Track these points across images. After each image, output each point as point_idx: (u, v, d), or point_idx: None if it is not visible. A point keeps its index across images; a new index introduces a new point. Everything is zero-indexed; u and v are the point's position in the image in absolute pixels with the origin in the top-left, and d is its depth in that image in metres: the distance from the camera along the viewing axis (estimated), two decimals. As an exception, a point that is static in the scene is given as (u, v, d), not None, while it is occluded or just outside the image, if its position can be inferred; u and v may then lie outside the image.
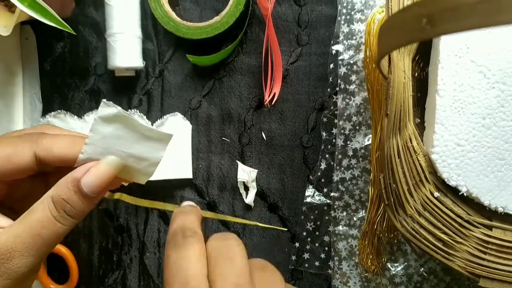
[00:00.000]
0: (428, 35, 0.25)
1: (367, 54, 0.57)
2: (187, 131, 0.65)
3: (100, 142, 0.40)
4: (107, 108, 0.38)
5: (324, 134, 0.63)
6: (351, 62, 0.60)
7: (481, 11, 0.22)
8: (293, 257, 0.64)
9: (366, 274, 0.62)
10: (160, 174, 0.64)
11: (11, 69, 0.66)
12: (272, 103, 0.63)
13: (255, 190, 0.65)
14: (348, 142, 0.61)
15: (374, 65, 0.57)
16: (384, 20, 0.54)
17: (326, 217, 0.63)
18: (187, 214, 0.44)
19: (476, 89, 0.47)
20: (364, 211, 0.62)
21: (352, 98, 0.61)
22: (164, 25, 0.62)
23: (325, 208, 0.63)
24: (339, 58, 0.61)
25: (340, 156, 0.62)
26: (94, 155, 0.40)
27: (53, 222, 0.39)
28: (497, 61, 0.47)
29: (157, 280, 0.67)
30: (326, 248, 0.64)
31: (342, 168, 0.62)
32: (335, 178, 0.62)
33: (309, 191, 0.64)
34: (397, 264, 0.62)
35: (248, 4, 0.62)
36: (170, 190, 0.66)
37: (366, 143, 0.61)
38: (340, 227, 0.62)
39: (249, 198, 0.64)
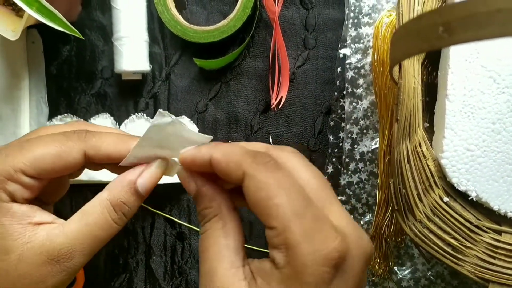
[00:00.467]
0: (445, 44, 0.25)
1: (375, 57, 0.57)
2: (193, 135, 0.65)
3: (148, 145, 0.41)
4: (163, 118, 0.39)
5: (331, 137, 0.62)
6: (359, 65, 0.60)
7: (500, 20, 0.22)
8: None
9: (373, 278, 0.62)
10: (166, 178, 0.64)
11: (17, 73, 0.65)
12: (279, 107, 0.63)
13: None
14: (355, 146, 0.61)
15: (382, 69, 0.57)
16: (395, 27, 0.54)
17: (333, 221, 0.63)
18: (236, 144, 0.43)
19: (486, 94, 0.47)
20: (371, 214, 0.62)
21: (359, 101, 0.61)
22: (171, 28, 0.62)
23: (332, 212, 0.63)
24: (347, 61, 0.61)
25: (347, 160, 0.61)
26: (141, 156, 0.42)
27: (110, 224, 0.42)
28: (508, 66, 0.47)
29: (163, 284, 0.67)
30: (333, 252, 0.64)
31: (349, 172, 0.62)
32: (342, 182, 0.62)
33: (316, 194, 0.64)
34: (404, 268, 0.62)
35: (255, 7, 0.62)
36: (176, 193, 0.66)
37: (373, 147, 0.61)
38: (347, 231, 0.62)
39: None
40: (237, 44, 0.64)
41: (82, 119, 0.66)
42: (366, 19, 0.60)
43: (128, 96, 0.67)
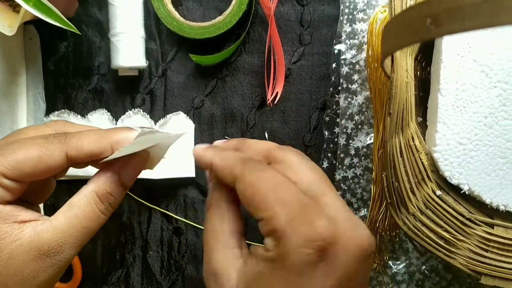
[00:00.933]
0: (432, 35, 0.26)
1: (369, 53, 0.58)
2: (190, 130, 0.65)
3: (129, 146, 0.43)
4: (144, 134, 0.42)
5: (326, 133, 0.63)
6: (353, 61, 0.61)
7: (485, 11, 0.23)
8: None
9: (368, 272, 0.63)
10: (163, 173, 0.64)
11: (14, 69, 0.66)
12: (275, 103, 0.64)
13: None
14: (350, 141, 0.62)
15: (376, 65, 0.57)
16: (387, 20, 0.55)
17: (329, 216, 0.64)
18: (230, 149, 0.47)
19: (478, 88, 0.47)
20: (366, 209, 0.62)
21: (354, 97, 0.61)
22: (167, 24, 0.62)
23: (328, 206, 0.64)
24: (342, 57, 0.61)
25: (342, 155, 0.62)
26: (121, 154, 0.44)
27: (98, 215, 0.44)
28: (499, 61, 0.47)
29: (159, 278, 0.67)
30: (329, 247, 0.64)
31: (344, 167, 0.62)
32: (337, 177, 0.62)
33: (312, 190, 0.64)
34: (398, 262, 0.62)
35: (251, 4, 0.62)
36: (173, 188, 0.67)
37: (368, 142, 0.61)
38: (342, 226, 0.63)
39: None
40: (233, 40, 0.65)
41: (79, 115, 0.66)
42: (360, 15, 0.60)
43: (124, 92, 0.67)
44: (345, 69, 0.61)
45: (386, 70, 0.45)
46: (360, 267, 0.39)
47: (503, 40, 0.47)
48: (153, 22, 0.66)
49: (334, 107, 0.63)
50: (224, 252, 0.41)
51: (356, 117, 0.61)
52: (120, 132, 0.45)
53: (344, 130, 0.62)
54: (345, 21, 0.61)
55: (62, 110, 0.66)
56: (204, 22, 0.62)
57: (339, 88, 0.62)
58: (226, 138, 0.65)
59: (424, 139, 0.50)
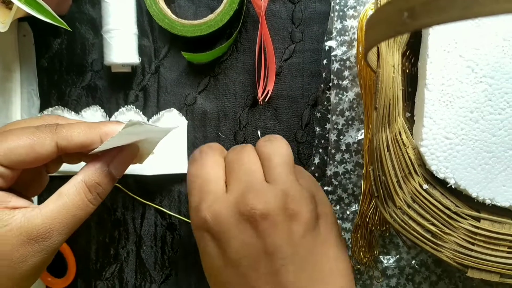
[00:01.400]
0: (408, 28, 0.26)
1: (360, 50, 0.58)
2: (182, 127, 0.66)
3: (118, 137, 0.44)
4: (131, 124, 0.43)
5: (317, 129, 0.63)
6: (344, 58, 0.61)
7: (460, 4, 0.23)
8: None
9: (358, 267, 0.63)
10: (156, 169, 0.65)
11: (8, 66, 0.66)
12: (266, 100, 0.64)
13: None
14: (341, 137, 0.62)
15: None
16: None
17: (320, 211, 0.64)
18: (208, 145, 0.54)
19: (464, 83, 0.48)
20: (357, 204, 0.63)
21: (345, 93, 0.62)
22: (159, 22, 0.62)
23: (319, 202, 0.64)
24: (332, 54, 0.62)
25: (333, 151, 0.62)
26: (110, 146, 0.46)
27: (86, 204, 0.45)
28: (485, 56, 0.48)
29: (153, 273, 0.68)
30: (320, 242, 0.65)
31: (335, 163, 0.63)
32: (329, 173, 0.63)
33: (303, 185, 0.65)
34: (389, 256, 0.63)
35: (242, 2, 0.63)
36: (166, 184, 0.67)
37: (359, 137, 0.62)
38: (333, 221, 0.63)
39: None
40: (225, 39, 0.65)
41: (73, 112, 0.67)
42: (351, 11, 0.61)
43: (118, 88, 0.68)
44: (335, 66, 0.62)
45: (371, 64, 0.46)
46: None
47: (488, 36, 0.48)
48: (145, 19, 0.66)
49: (325, 103, 0.63)
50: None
51: (347, 113, 0.62)
52: (109, 125, 0.46)
53: (335, 126, 0.62)
54: (335, 18, 0.61)
55: (56, 107, 0.67)
56: (195, 20, 0.63)
57: (330, 84, 0.62)
58: (220, 135, 0.66)
59: (412, 134, 0.50)
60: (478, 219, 0.48)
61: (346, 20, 0.61)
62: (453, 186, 0.48)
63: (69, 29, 0.57)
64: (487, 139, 0.48)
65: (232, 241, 0.45)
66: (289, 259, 0.45)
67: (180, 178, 0.67)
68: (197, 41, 0.65)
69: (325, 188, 0.63)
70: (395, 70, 0.46)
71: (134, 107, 0.66)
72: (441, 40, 0.48)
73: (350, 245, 0.63)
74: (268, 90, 0.63)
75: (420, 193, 0.48)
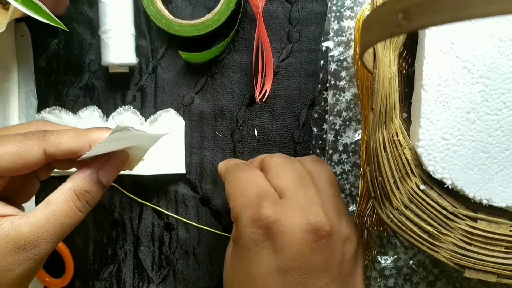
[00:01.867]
0: (403, 30, 0.26)
1: (357, 50, 0.58)
2: (180, 127, 0.66)
3: (108, 145, 0.44)
4: (119, 130, 0.42)
5: (315, 129, 0.63)
6: (341, 58, 0.61)
7: (452, 5, 0.23)
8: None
9: (356, 267, 0.63)
10: (153, 169, 0.65)
11: (6, 66, 0.66)
12: (264, 100, 0.64)
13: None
14: (339, 137, 0.62)
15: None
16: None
17: (317, 211, 0.64)
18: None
19: (461, 84, 0.48)
20: (354, 205, 0.63)
21: (342, 94, 0.62)
22: (156, 22, 0.62)
23: (316, 202, 0.64)
24: (329, 54, 0.62)
25: (330, 151, 0.62)
26: (98, 152, 0.45)
27: (75, 212, 0.45)
28: (481, 56, 0.48)
29: (151, 274, 0.68)
30: (317, 242, 0.65)
31: (333, 163, 0.63)
32: (326, 173, 0.63)
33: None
34: (386, 257, 0.63)
35: (239, 2, 0.63)
36: (164, 185, 0.67)
37: (356, 138, 0.62)
38: (331, 221, 0.63)
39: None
40: (222, 38, 0.65)
41: (70, 112, 0.67)
42: (348, 12, 0.61)
43: (115, 88, 0.68)
44: (333, 66, 0.62)
45: (367, 65, 0.46)
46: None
47: (485, 36, 0.48)
48: (143, 20, 0.66)
49: (323, 103, 0.63)
50: None
51: (344, 114, 0.62)
52: (98, 132, 0.46)
53: (333, 127, 0.62)
54: (332, 19, 0.61)
55: (54, 107, 0.67)
56: (193, 20, 0.63)
57: (327, 85, 0.62)
58: (217, 134, 0.66)
59: (409, 135, 0.50)
60: (475, 220, 0.48)
61: (343, 21, 0.61)
62: (450, 187, 0.48)
63: (67, 29, 0.57)
64: (483, 140, 0.48)
65: (293, 246, 0.45)
66: (334, 279, 0.46)
67: (177, 179, 0.67)
68: (195, 41, 0.65)
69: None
70: (392, 71, 0.47)
71: (131, 107, 0.66)
72: (438, 41, 0.48)
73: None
74: (266, 90, 0.63)
75: (417, 194, 0.48)
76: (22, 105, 0.68)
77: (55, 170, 0.51)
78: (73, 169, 0.49)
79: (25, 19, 0.66)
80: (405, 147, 0.48)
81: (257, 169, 0.52)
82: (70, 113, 0.67)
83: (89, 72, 0.68)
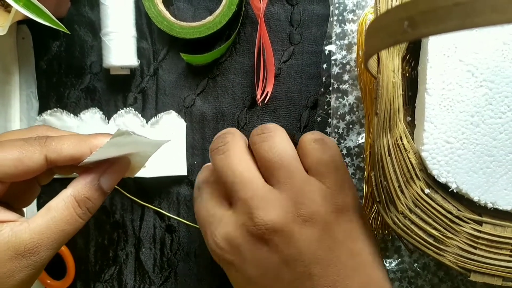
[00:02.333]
0: (409, 38, 0.26)
1: (359, 54, 0.58)
2: (181, 129, 0.66)
3: (109, 150, 0.44)
4: (120, 134, 0.42)
5: (318, 133, 0.63)
6: (344, 62, 0.61)
7: (457, 14, 0.23)
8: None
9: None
10: (155, 171, 0.65)
11: (7, 68, 0.66)
12: (265, 102, 0.64)
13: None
14: (342, 141, 0.62)
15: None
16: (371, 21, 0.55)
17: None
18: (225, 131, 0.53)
19: (465, 87, 0.48)
20: (357, 208, 0.62)
21: (345, 97, 0.61)
22: (157, 24, 0.62)
23: (319, 205, 0.64)
24: (332, 58, 0.61)
25: (333, 154, 0.62)
26: (100, 157, 0.45)
27: (75, 219, 0.45)
28: (485, 60, 0.47)
29: (152, 276, 0.68)
30: (320, 245, 0.64)
31: (336, 166, 0.62)
32: (329, 176, 0.63)
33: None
34: (391, 260, 0.62)
35: (241, 4, 0.63)
36: (165, 186, 0.67)
37: (360, 141, 0.61)
38: (334, 224, 0.63)
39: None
40: (224, 41, 0.65)
41: (72, 114, 0.67)
42: (350, 15, 0.60)
43: (117, 91, 0.67)
44: (335, 70, 0.61)
45: (371, 70, 0.45)
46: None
47: (488, 40, 0.47)
48: (144, 22, 0.66)
49: (326, 107, 0.63)
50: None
51: (348, 117, 0.62)
52: (100, 137, 0.46)
53: (336, 130, 0.62)
54: (335, 22, 0.61)
55: (55, 109, 0.67)
56: (194, 22, 0.63)
57: (330, 88, 0.62)
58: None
59: (413, 138, 0.50)
60: (480, 223, 0.48)
61: (345, 24, 0.61)
62: (454, 190, 0.48)
63: (68, 32, 0.57)
64: (488, 143, 0.48)
65: (248, 262, 0.45)
66: (310, 262, 0.44)
67: (179, 180, 0.67)
68: (196, 43, 0.65)
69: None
70: (396, 75, 0.46)
71: (132, 109, 0.66)
72: (441, 45, 0.47)
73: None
74: (267, 92, 0.63)
75: (421, 198, 0.48)
76: (23, 107, 0.67)
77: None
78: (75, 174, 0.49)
79: (27, 21, 0.66)
80: (409, 151, 0.48)
81: (237, 146, 0.50)
82: (72, 115, 0.67)
83: (91, 74, 0.67)
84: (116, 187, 0.67)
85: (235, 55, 0.65)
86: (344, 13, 0.60)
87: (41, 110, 0.68)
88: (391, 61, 0.46)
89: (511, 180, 0.49)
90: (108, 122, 0.66)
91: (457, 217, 0.48)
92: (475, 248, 0.48)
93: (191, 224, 0.67)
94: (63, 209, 0.44)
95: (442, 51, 0.47)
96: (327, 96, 0.63)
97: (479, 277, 0.48)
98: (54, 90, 0.68)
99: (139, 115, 0.66)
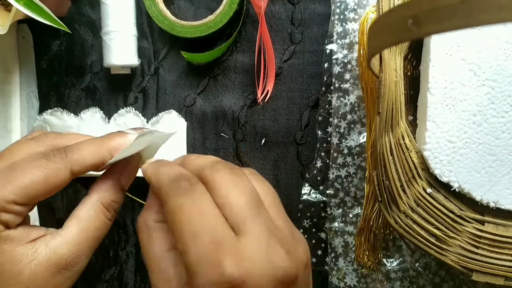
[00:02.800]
0: (413, 36, 0.26)
1: (361, 53, 0.58)
2: (182, 128, 0.65)
3: (129, 149, 0.45)
4: (143, 134, 0.44)
5: (319, 132, 0.63)
6: (345, 61, 0.61)
7: (462, 12, 0.23)
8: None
9: (362, 270, 0.63)
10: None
11: (8, 67, 0.66)
12: (266, 101, 0.64)
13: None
14: (343, 140, 0.62)
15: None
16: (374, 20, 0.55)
17: (322, 214, 0.64)
18: (173, 164, 0.44)
19: (467, 86, 0.47)
20: (359, 207, 0.62)
21: (346, 96, 0.61)
22: (158, 23, 0.62)
23: (321, 205, 0.64)
24: (333, 57, 0.61)
25: (335, 154, 0.62)
26: (120, 157, 0.46)
27: (106, 223, 0.46)
28: (487, 59, 0.47)
29: (154, 277, 0.68)
30: (323, 245, 0.64)
31: (338, 166, 0.62)
32: (331, 176, 0.63)
33: (305, 189, 0.64)
34: (392, 259, 0.62)
35: (242, 3, 0.62)
36: (166, 187, 0.67)
37: (361, 140, 0.61)
38: (336, 224, 0.63)
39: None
40: (225, 39, 0.65)
41: (72, 114, 0.66)
42: (352, 14, 0.60)
43: (117, 90, 0.67)
44: (337, 69, 0.61)
45: (374, 69, 0.45)
46: None
47: (491, 39, 0.47)
48: (145, 21, 0.66)
49: (327, 106, 0.63)
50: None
51: (349, 116, 0.61)
52: (115, 138, 0.46)
53: (337, 129, 0.62)
54: (336, 21, 0.61)
55: (55, 109, 0.67)
56: (195, 21, 0.62)
57: (332, 87, 0.62)
58: (223, 135, 0.65)
59: (415, 138, 0.50)
60: (482, 223, 0.48)
61: (346, 23, 0.60)
62: (456, 190, 0.48)
63: (68, 31, 0.57)
64: (490, 142, 0.48)
65: None
66: None
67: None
68: (197, 42, 0.64)
69: (328, 191, 0.62)
70: (398, 74, 0.46)
71: (133, 108, 0.66)
72: (443, 44, 0.47)
73: (354, 248, 0.62)
74: (268, 91, 0.63)
75: (424, 197, 0.48)
76: (23, 107, 0.67)
77: None
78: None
79: (27, 20, 0.66)
80: (411, 151, 0.48)
81: (204, 192, 0.39)
82: (72, 114, 0.67)
83: (91, 73, 0.67)
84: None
85: (236, 54, 0.65)
86: (346, 12, 0.60)
87: (42, 110, 0.68)
88: (393, 60, 0.46)
89: (513, 179, 0.49)
90: (108, 122, 0.66)
91: (459, 216, 0.48)
92: (477, 247, 0.48)
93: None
94: (94, 217, 0.45)
95: (444, 50, 0.47)
96: (328, 95, 0.63)
97: (482, 277, 0.47)
98: (55, 90, 0.68)
99: (140, 114, 0.66)
